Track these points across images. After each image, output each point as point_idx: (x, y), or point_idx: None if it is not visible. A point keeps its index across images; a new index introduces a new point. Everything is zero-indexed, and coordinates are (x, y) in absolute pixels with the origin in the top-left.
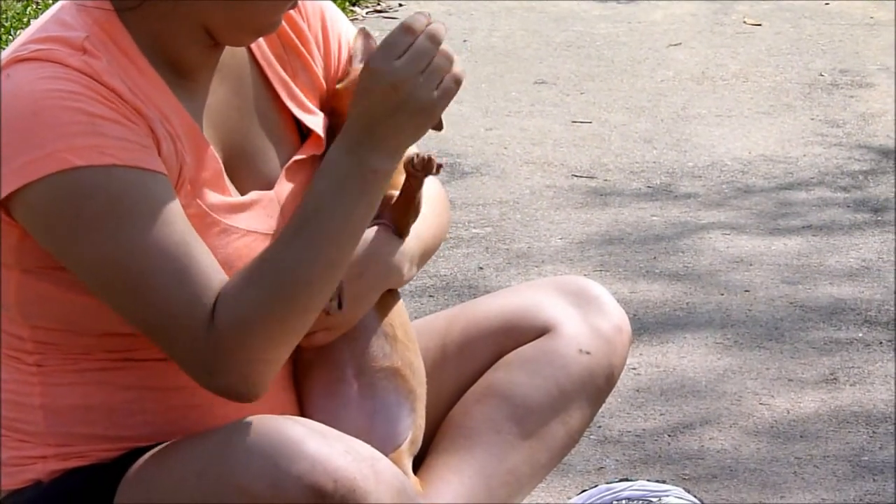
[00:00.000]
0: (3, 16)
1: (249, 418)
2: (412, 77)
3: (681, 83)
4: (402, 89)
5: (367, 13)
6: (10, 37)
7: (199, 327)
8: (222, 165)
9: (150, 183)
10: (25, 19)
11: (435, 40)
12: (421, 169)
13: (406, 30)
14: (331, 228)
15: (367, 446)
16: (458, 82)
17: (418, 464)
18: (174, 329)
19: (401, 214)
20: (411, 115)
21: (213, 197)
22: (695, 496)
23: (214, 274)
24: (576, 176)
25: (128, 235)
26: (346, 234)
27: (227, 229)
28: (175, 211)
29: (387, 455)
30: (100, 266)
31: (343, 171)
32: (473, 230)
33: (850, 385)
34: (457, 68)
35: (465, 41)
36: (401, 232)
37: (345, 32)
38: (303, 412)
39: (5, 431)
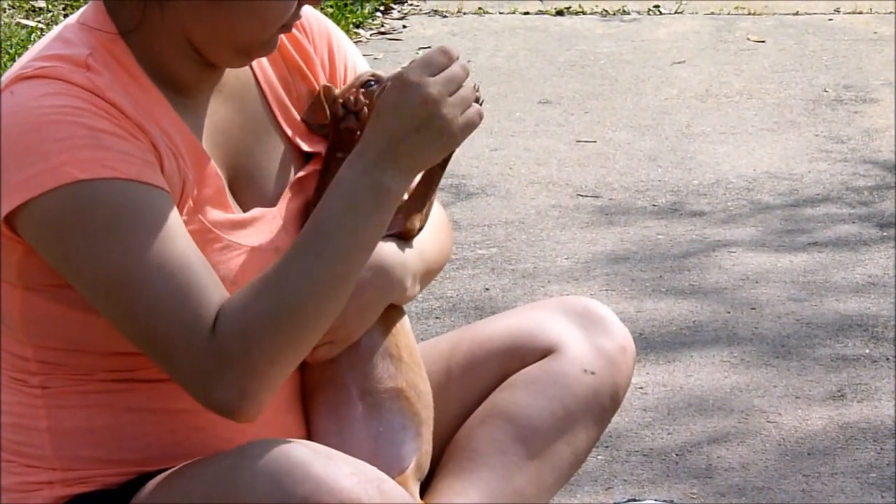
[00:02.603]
0: (8, 42)
1: (255, 441)
2: (444, 96)
3: (685, 101)
4: (431, 105)
5: (371, 35)
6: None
7: (198, 341)
8: (225, 182)
9: (152, 197)
10: (30, 45)
11: (466, 70)
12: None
13: (443, 52)
14: (340, 246)
15: (374, 468)
16: (480, 116)
17: (424, 487)
18: (171, 344)
19: (415, 201)
20: (434, 135)
21: (214, 213)
22: None
23: (214, 290)
24: (581, 195)
25: (128, 248)
26: (355, 251)
27: (228, 245)
28: (176, 227)
29: (392, 478)
30: (100, 280)
31: (357, 190)
32: (479, 251)
33: (858, 401)
34: (478, 105)
35: (468, 61)
36: (409, 228)
37: (351, 56)
38: (309, 434)
39: (10, 456)
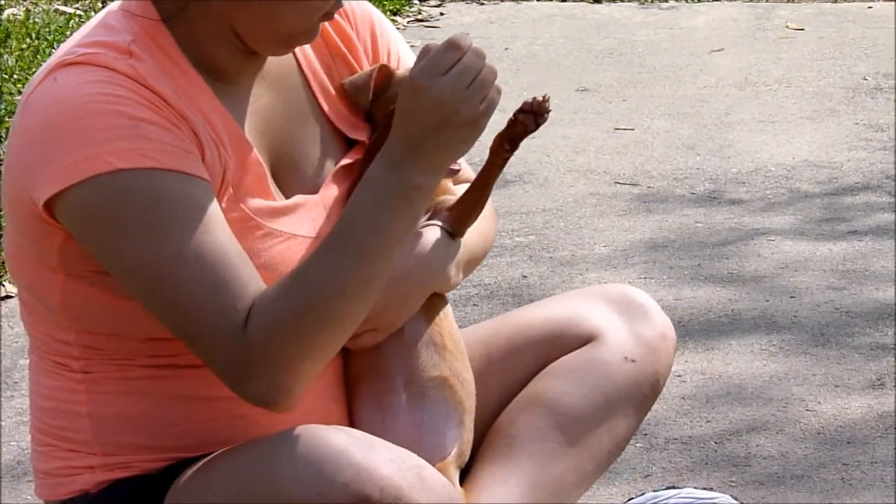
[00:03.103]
0: (46, 29)
1: (295, 428)
2: (458, 92)
3: (723, 89)
4: (447, 105)
5: (408, 22)
6: (53, 50)
7: (231, 335)
8: (267, 170)
9: (190, 188)
10: (68, 32)
11: (481, 55)
12: (533, 111)
13: (452, 47)
14: (367, 244)
15: (414, 455)
16: (499, 93)
17: (463, 474)
18: (207, 335)
19: (469, 203)
20: (457, 130)
21: (256, 201)
22: (742, 503)
23: (251, 282)
24: (619, 183)
25: (165, 240)
26: (382, 249)
27: (270, 233)
28: (215, 217)
29: (433, 465)
30: (137, 269)
31: (385, 188)
32: (517, 239)
33: None
34: (496, 81)
35: (506, 49)
36: (459, 228)
37: (393, 41)
38: (351, 423)
39: (53, 441)
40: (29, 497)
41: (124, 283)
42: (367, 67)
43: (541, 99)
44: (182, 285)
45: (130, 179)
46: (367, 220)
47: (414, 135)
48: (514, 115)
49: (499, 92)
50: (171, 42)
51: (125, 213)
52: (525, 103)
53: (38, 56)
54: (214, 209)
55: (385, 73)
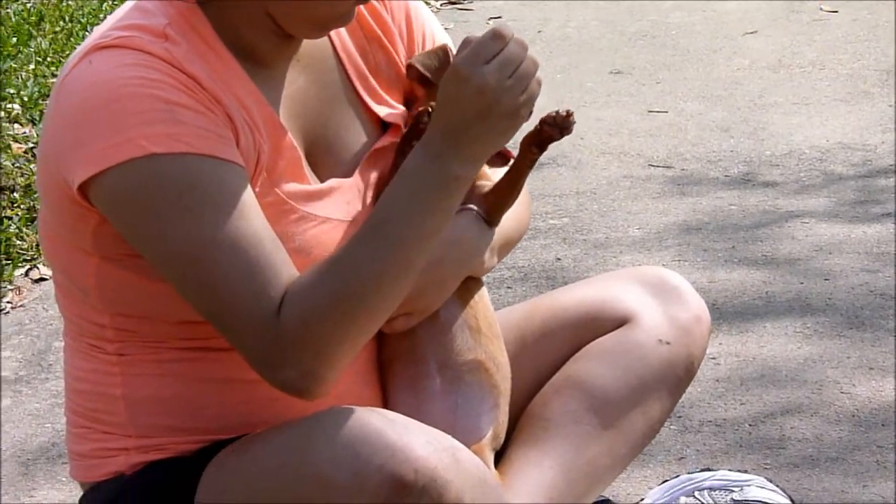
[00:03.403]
0: (80, 12)
1: (330, 409)
2: (501, 82)
3: (757, 71)
4: (488, 94)
5: (441, 5)
6: (87, 33)
7: (264, 321)
8: (302, 153)
9: (224, 173)
10: (101, 15)
11: (523, 46)
12: (557, 124)
13: (495, 36)
14: (403, 234)
15: (448, 437)
16: (540, 85)
17: (498, 456)
18: (239, 321)
19: (501, 197)
20: (497, 121)
21: (290, 185)
22: (776, 485)
23: (284, 269)
24: (653, 166)
25: (199, 225)
26: (418, 240)
27: (304, 216)
28: (248, 203)
29: (468, 447)
30: (170, 254)
31: (424, 178)
32: (550, 221)
33: None
34: (538, 73)
35: (539, 32)
36: (492, 217)
37: (429, 25)
38: (385, 406)
39: (88, 423)
40: (64, 479)
41: (158, 268)
42: (402, 51)
43: (564, 114)
44: (216, 271)
45: (164, 164)
46: (402, 212)
47: (455, 123)
48: (540, 123)
49: (539, 84)
50: (207, 25)
51: (159, 198)
52: (549, 116)
53: (72, 39)
54: (248, 194)
55: (451, 53)
